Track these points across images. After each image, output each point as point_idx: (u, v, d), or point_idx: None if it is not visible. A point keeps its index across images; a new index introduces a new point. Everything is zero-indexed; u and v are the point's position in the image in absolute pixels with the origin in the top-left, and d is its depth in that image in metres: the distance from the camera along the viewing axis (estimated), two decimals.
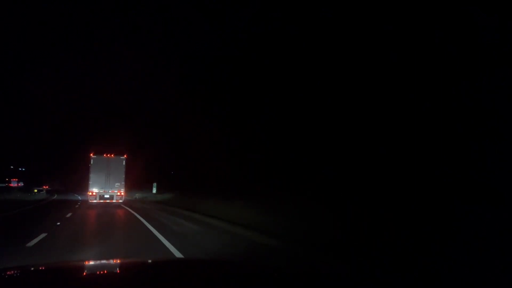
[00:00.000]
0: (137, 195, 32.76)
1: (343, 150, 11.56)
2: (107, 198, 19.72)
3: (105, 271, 2.15)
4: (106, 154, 20.49)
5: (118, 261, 2.74)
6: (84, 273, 1.99)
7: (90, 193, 19.82)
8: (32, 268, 2.00)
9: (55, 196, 39.36)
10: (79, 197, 34.54)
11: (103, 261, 2.73)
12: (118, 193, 19.88)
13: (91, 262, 2.65)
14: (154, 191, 33.70)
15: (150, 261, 2.97)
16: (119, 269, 2.16)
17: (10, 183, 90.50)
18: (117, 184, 20.07)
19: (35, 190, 40.32)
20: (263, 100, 17.11)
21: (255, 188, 15.94)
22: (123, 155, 20.66)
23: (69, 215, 13.96)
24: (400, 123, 9.58)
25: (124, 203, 21.07)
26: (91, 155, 20.18)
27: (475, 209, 6.20)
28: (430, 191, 7.77)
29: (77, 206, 20.53)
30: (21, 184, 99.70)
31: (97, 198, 19.63)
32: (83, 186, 43.37)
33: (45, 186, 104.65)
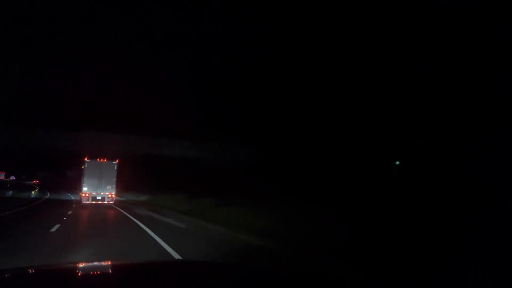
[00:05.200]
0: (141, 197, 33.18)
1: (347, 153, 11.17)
2: (98, 200, 21.79)
3: (103, 273, 2.19)
4: (99, 159, 22.43)
5: (116, 263, 2.72)
6: (82, 275, 2.00)
7: (83, 195, 21.84)
8: (30, 271, 2.00)
9: (48, 195, 40.13)
10: (72, 196, 36.14)
11: (101, 263, 2.68)
12: (109, 195, 22.08)
13: (89, 264, 2.68)
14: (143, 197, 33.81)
15: (148, 262, 3.05)
16: (116, 271, 2.18)
17: None
18: (108, 186, 22.12)
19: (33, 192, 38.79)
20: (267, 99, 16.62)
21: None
22: (115, 160, 22.70)
23: (70, 212, 17.47)
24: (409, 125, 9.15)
25: (115, 203, 23.41)
26: (86, 159, 22.16)
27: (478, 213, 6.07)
28: (434, 193, 7.59)
29: (74, 205, 22.92)
30: (12, 178, 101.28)
31: (89, 199, 21.65)
32: (76, 185, 44.38)
33: (36, 180, 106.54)
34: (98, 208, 20.34)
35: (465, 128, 7.44)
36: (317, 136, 12.37)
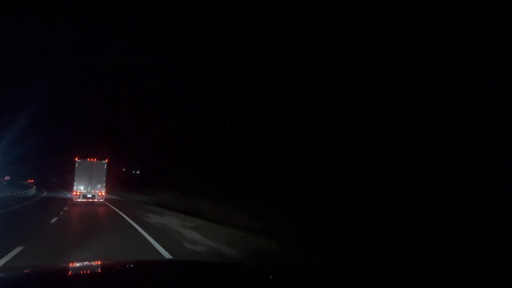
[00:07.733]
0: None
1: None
2: (89, 197, 23.18)
3: (97, 273, 2.22)
4: (90, 158, 23.54)
5: (107, 262, 2.77)
6: (75, 275, 2.03)
7: (75, 193, 23.21)
8: (26, 271, 2.03)
9: (45, 193, 41.39)
10: (68, 194, 37.61)
11: (93, 263, 2.65)
12: (100, 193, 23.56)
13: (81, 264, 2.72)
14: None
15: (138, 262, 3.17)
16: (107, 271, 2.21)
17: None
18: (99, 185, 23.48)
19: None
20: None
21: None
22: (104, 160, 23.91)
23: (66, 208, 20.14)
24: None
25: (105, 200, 24.75)
26: (76, 159, 23.26)
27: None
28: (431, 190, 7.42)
29: (69, 202, 24.52)
30: (7, 177, 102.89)
31: (81, 197, 23.04)
32: (70, 183, 45.76)
33: (30, 180, 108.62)
34: (90, 204, 22.47)
35: (469, 127, 7.23)
36: (318, 136, 12.15)
